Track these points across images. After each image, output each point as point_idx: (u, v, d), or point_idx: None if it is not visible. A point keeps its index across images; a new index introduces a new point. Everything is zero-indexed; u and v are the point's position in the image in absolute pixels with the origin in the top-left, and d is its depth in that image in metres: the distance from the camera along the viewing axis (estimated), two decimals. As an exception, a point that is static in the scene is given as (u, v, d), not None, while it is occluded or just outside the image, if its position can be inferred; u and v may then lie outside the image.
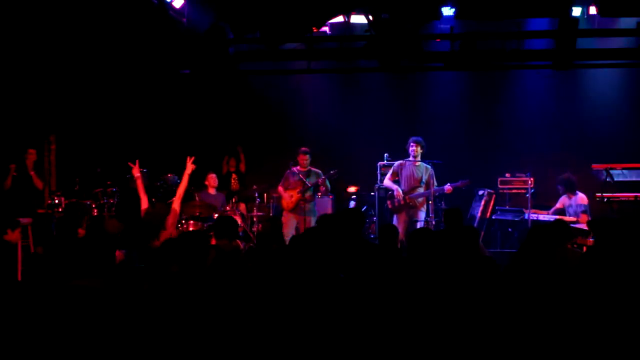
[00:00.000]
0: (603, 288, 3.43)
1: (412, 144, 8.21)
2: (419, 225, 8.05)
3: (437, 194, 8.23)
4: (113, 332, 3.22)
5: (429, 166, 8.27)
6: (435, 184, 8.20)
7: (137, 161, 6.95)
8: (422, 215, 8.16)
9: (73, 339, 3.17)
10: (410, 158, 8.24)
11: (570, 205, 8.34)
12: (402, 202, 8.10)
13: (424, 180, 8.18)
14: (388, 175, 8.39)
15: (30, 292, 3.57)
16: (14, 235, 5.88)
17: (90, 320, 3.25)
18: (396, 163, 8.39)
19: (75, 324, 3.25)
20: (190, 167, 6.98)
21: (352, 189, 8.51)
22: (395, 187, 8.22)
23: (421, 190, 8.19)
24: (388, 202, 8.37)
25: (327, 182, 8.62)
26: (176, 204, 6.56)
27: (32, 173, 8.71)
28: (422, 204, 8.21)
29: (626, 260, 3.68)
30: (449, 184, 8.13)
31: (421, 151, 8.24)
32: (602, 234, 4.02)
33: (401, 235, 8.04)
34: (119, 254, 5.90)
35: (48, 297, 3.38)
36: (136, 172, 6.95)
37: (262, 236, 8.05)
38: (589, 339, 3.14)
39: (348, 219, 5.35)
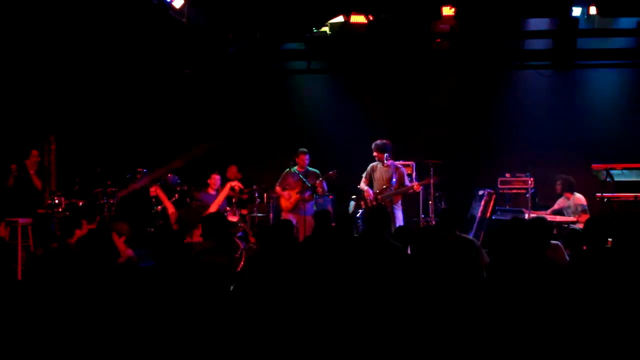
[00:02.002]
0: (597, 289, 3.43)
1: (374, 150, 8.34)
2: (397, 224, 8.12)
3: (407, 192, 8.25)
4: (117, 330, 3.22)
5: (400, 166, 8.39)
6: (408, 182, 8.28)
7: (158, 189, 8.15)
8: (398, 213, 8.20)
9: (76, 338, 3.18)
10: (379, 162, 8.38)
11: (569, 206, 8.34)
12: (374, 203, 8.14)
13: (393, 180, 8.24)
14: (363, 179, 8.50)
15: (32, 292, 3.58)
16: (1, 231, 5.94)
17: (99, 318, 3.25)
18: (369, 166, 8.50)
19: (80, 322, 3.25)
20: (230, 185, 8.40)
21: (330, 173, 8.60)
22: (366, 188, 8.36)
23: (391, 189, 8.24)
24: (361, 202, 8.47)
25: (324, 183, 8.64)
26: (213, 209, 7.87)
27: (31, 172, 8.71)
28: (396, 202, 8.25)
29: (620, 261, 3.68)
30: (416, 183, 8.30)
31: (384, 155, 8.29)
32: (595, 235, 4.01)
33: None
34: (130, 252, 5.91)
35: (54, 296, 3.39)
36: (153, 190, 8.23)
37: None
38: (585, 340, 3.14)
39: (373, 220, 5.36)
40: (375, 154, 8.33)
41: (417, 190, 8.30)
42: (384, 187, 8.26)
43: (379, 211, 5.16)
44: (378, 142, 8.36)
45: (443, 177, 8.70)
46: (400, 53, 9.01)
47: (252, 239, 8.40)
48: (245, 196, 9.68)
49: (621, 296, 3.35)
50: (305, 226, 8.44)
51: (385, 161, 8.29)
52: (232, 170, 10.07)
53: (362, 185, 8.48)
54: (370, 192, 8.28)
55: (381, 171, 8.36)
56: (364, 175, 8.53)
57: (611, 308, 3.28)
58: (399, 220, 8.15)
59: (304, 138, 9.87)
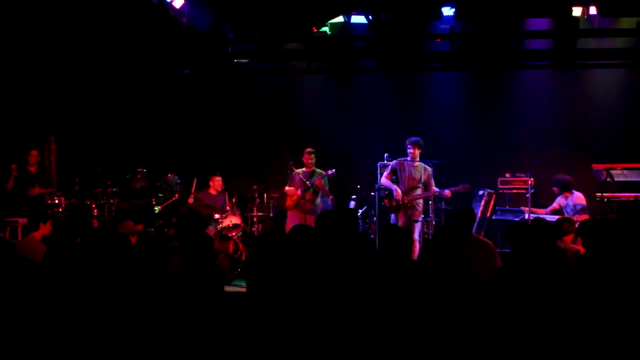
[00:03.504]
0: (599, 291, 3.42)
1: (409, 146, 8.12)
2: (419, 224, 8.03)
3: (437, 196, 8.19)
4: (120, 330, 3.23)
5: (427, 166, 8.21)
6: (434, 184, 8.18)
7: None
8: (420, 215, 8.14)
9: (81, 337, 3.19)
10: (409, 159, 8.18)
11: (567, 205, 8.34)
12: (400, 203, 8.07)
13: (422, 180, 8.14)
14: (385, 174, 8.26)
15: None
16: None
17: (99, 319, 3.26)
18: (394, 161, 8.25)
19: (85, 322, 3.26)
20: None
21: (329, 172, 8.64)
22: (394, 186, 8.13)
23: (419, 190, 8.16)
24: (385, 201, 8.26)
25: (324, 181, 8.67)
26: None
27: (36, 186, 8.70)
28: (419, 204, 8.17)
29: (619, 263, 3.67)
30: (448, 189, 8.06)
31: (419, 152, 8.16)
32: (593, 237, 4.00)
33: None
34: None
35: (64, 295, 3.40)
36: None
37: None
38: (586, 341, 3.13)
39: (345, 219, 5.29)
40: (414, 150, 8.08)
41: (449, 196, 8.12)
42: (414, 187, 8.10)
43: (401, 232, 5.06)
44: (418, 138, 8.14)
45: (444, 178, 8.70)
46: (400, 53, 9.00)
47: (242, 246, 8.36)
48: None
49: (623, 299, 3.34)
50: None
51: (414, 159, 8.12)
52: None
53: (387, 181, 8.18)
54: (400, 191, 8.07)
55: (411, 169, 8.15)
56: (387, 170, 8.22)
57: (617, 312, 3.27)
58: (418, 224, 8.08)
59: (304, 138, 9.88)
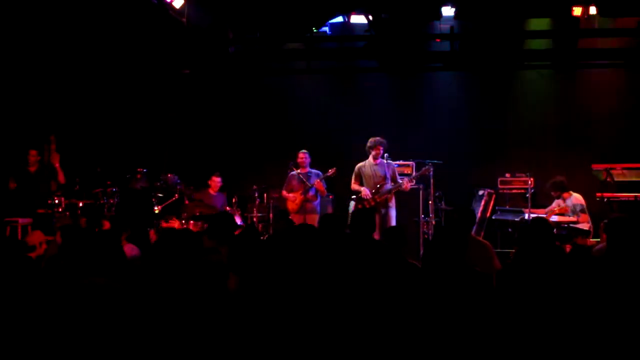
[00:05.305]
0: (618, 290, 3.40)
1: (377, 146, 8.25)
2: (393, 219, 8.14)
3: (399, 190, 8.24)
4: (122, 329, 3.22)
5: (390, 162, 8.34)
6: (399, 178, 8.30)
7: None
8: (393, 212, 8.19)
9: (82, 336, 3.18)
10: (371, 159, 8.32)
11: (566, 206, 8.32)
12: (372, 203, 8.11)
13: (388, 176, 8.21)
14: (352, 180, 8.42)
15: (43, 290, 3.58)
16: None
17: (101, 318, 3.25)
18: (356, 167, 8.41)
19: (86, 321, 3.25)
20: None
21: (330, 172, 8.69)
22: (362, 188, 8.27)
23: (387, 187, 8.24)
24: (359, 205, 8.29)
25: (323, 182, 8.69)
26: None
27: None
28: (390, 200, 8.23)
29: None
30: (407, 178, 8.22)
31: (383, 151, 8.32)
32: (618, 235, 3.97)
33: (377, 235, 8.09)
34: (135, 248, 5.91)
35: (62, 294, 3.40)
36: None
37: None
38: (599, 341, 3.12)
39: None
40: (379, 150, 8.24)
41: (407, 189, 8.25)
42: (379, 185, 8.22)
43: (364, 213, 5.13)
44: (381, 139, 8.31)
45: (444, 177, 8.70)
46: (400, 53, 9.01)
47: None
48: None
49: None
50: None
51: (376, 158, 8.27)
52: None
53: (356, 186, 8.37)
54: (367, 191, 8.21)
55: (372, 169, 8.29)
56: (353, 177, 8.42)
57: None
58: (393, 220, 8.13)
59: (304, 138, 9.88)
